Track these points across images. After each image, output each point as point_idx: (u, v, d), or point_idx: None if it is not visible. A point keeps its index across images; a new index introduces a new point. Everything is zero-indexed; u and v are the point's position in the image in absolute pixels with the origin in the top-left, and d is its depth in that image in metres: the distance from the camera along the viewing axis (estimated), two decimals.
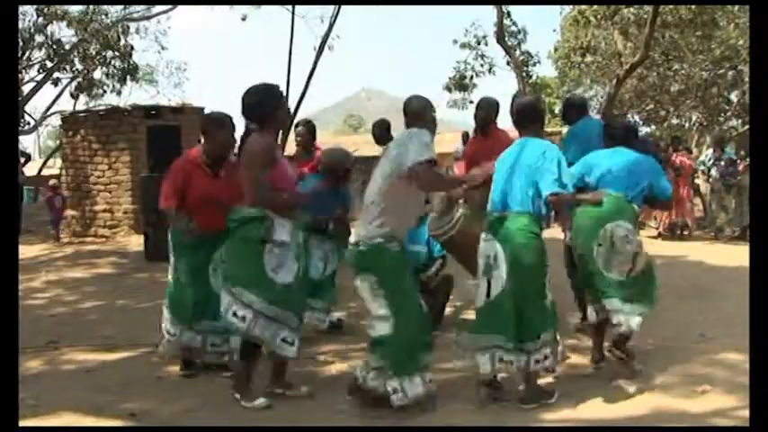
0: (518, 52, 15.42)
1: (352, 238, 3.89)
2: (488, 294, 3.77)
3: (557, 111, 28.30)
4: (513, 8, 15.09)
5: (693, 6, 14.26)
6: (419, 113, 3.90)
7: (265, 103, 3.81)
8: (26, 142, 32.79)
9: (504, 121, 5.09)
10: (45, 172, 25.15)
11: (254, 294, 3.66)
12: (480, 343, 3.77)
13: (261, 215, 3.68)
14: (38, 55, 17.84)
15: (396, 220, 3.67)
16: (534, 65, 16.38)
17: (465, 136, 12.06)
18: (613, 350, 4.20)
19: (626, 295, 4.09)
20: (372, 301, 3.68)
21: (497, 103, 5.40)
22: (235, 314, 3.68)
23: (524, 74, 15.66)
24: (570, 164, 4.04)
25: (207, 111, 12.00)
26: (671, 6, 14.27)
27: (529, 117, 3.95)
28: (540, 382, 3.92)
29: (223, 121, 4.28)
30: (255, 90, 3.85)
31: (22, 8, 15.71)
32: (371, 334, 3.73)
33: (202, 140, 4.37)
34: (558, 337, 3.87)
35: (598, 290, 4.17)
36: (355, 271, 3.77)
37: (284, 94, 4.00)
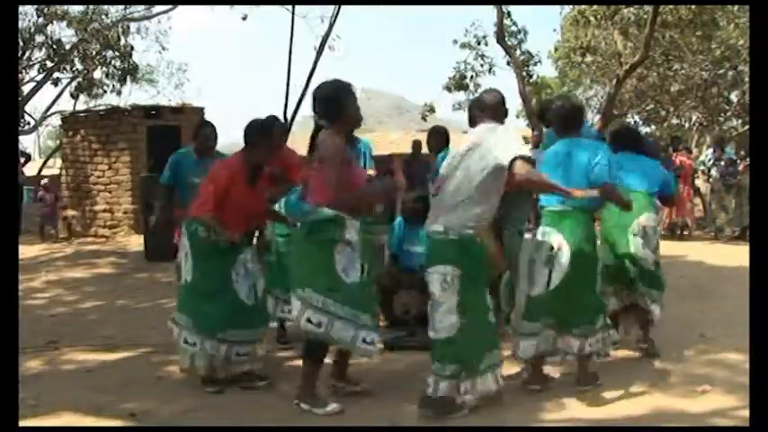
0: (518, 52, 15.40)
1: (437, 227, 3.65)
2: (548, 284, 3.94)
3: None
4: (513, 8, 15.06)
5: (693, 6, 14.26)
6: (495, 109, 3.88)
7: (337, 100, 3.71)
8: (26, 142, 32.79)
9: (510, 122, 5.08)
10: (45, 172, 25.15)
11: (328, 297, 3.55)
12: (534, 328, 3.97)
13: (336, 216, 3.58)
14: (38, 55, 17.84)
15: (485, 213, 3.65)
16: (535, 64, 16.35)
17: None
18: (640, 343, 4.63)
19: (653, 282, 4.58)
20: (441, 295, 3.57)
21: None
22: (309, 320, 3.56)
23: (525, 74, 15.64)
24: None
25: (207, 111, 12.14)
26: (671, 6, 14.26)
27: (574, 120, 4.20)
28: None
29: (270, 130, 4.21)
30: (328, 85, 3.77)
31: (22, 8, 15.71)
32: (437, 336, 3.61)
33: (249, 149, 4.14)
34: (609, 322, 4.12)
35: (629, 278, 4.56)
36: (431, 262, 3.66)
37: (352, 89, 3.75)
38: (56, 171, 20.95)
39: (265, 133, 4.19)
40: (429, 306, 3.67)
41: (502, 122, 3.83)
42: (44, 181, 12.52)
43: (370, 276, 3.76)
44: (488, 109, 3.86)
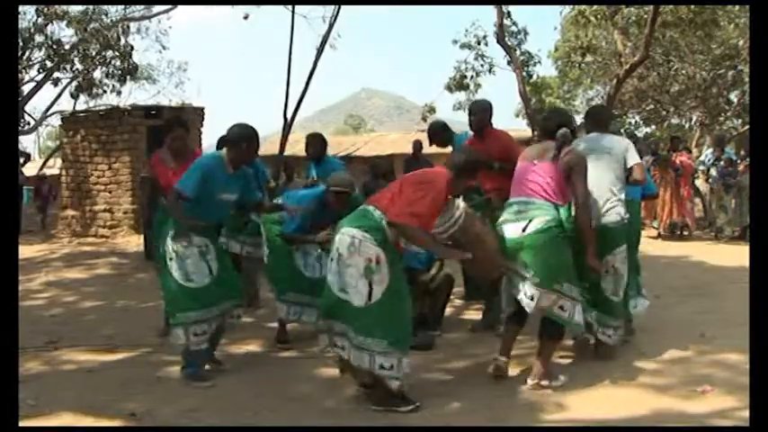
0: (518, 52, 15.38)
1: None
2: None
3: None
4: (513, 7, 15.04)
5: (693, 6, 14.25)
6: (606, 122, 4.72)
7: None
8: (26, 142, 32.80)
9: (507, 122, 5.11)
10: (45, 172, 25.16)
11: (573, 284, 3.99)
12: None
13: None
14: (38, 55, 17.82)
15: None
16: (535, 64, 16.33)
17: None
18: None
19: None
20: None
21: (490, 106, 5.39)
22: (561, 308, 3.96)
23: (525, 74, 15.62)
24: None
25: (207, 110, 12.15)
26: (671, 6, 14.25)
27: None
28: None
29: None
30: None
31: (22, 8, 15.70)
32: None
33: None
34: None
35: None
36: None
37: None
38: (56, 171, 20.95)
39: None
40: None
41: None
42: (41, 172, 12.61)
43: None
44: (602, 121, 4.65)
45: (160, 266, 4.47)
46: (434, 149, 6.81)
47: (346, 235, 3.68)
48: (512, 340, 4.25)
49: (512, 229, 4.04)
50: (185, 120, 5.42)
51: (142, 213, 9.86)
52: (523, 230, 3.98)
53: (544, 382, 3.99)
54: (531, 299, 3.95)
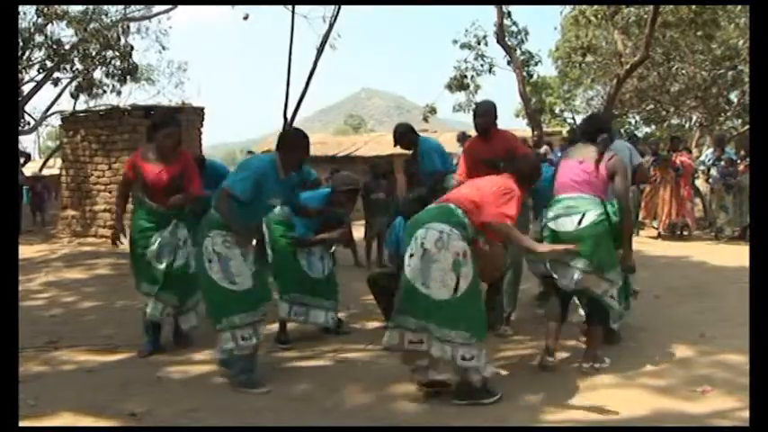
0: (518, 52, 15.36)
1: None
2: None
3: (557, 110, 28.39)
4: (513, 7, 15.02)
5: (694, 6, 14.25)
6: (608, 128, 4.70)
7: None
8: (26, 142, 32.83)
9: (507, 123, 5.13)
10: (45, 172, 25.16)
11: (618, 274, 4.31)
12: None
13: None
14: (38, 55, 17.82)
15: None
16: (536, 64, 16.32)
17: (461, 136, 12.05)
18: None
19: None
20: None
21: (494, 107, 5.40)
22: (612, 296, 4.28)
23: (526, 74, 15.62)
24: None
25: (207, 110, 12.14)
26: (672, 6, 14.26)
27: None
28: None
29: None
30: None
31: (22, 8, 15.70)
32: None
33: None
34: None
35: None
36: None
37: None
38: (56, 171, 20.95)
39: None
40: None
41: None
42: (35, 172, 12.72)
43: None
44: (605, 129, 4.56)
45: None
46: None
47: (434, 230, 3.73)
48: (556, 338, 4.39)
49: (566, 223, 4.22)
50: (179, 119, 5.19)
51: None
52: (579, 223, 4.17)
53: (597, 365, 4.28)
54: (578, 285, 4.22)
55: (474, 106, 5.80)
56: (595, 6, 15.07)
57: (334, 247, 5.14)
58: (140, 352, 4.88)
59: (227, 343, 4.11)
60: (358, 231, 8.42)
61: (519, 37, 15.62)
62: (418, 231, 3.78)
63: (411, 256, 3.77)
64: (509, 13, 14.74)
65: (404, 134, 6.22)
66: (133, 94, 30.40)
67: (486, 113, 5.33)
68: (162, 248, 4.75)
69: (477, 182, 4.14)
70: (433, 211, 3.89)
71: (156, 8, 18.99)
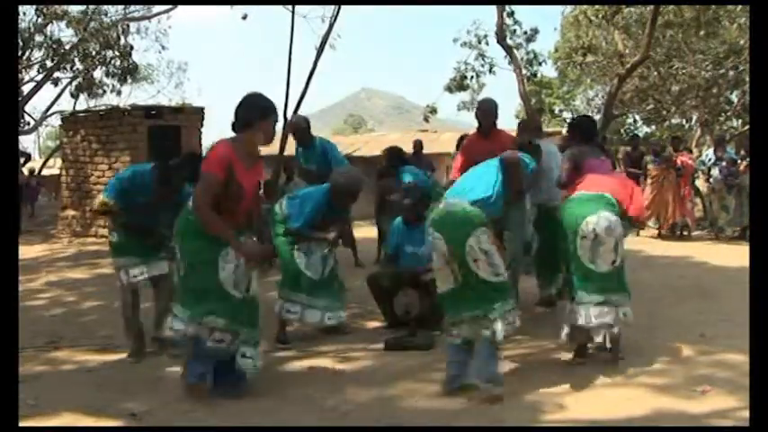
0: (523, 51, 15.30)
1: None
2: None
3: (557, 111, 28.40)
4: (516, 8, 14.96)
5: (697, 6, 14.26)
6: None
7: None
8: (26, 142, 32.78)
9: (507, 123, 5.18)
10: (45, 172, 25.16)
11: None
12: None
13: None
14: (38, 55, 17.81)
15: None
16: (539, 64, 16.28)
17: (460, 140, 12.03)
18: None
19: None
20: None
21: (497, 106, 5.47)
22: None
23: (530, 73, 15.59)
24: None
25: (207, 110, 12.15)
26: (674, 6, 14.26)
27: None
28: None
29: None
30: None
31: (22, 8, 15.69)
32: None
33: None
34: None
35: None
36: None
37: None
38: (56, 171, 20.95)
39: None
40: None
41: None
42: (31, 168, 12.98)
43: None
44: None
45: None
46: (436, 149, 6.84)
47: (604, 218, 4.26)
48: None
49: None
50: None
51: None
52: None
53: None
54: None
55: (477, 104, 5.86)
56: (596, 6, 15.06)
57: (325, 250, 5.12)
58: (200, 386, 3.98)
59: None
60: (359, 231, 8.42)
61: (522, 37, 15.51)
62: (593, 217, 4.26)
63: (583, 238, 4.28)
64: (511, 13, 14.70)
65: (302, 129, 6.37)
66: (133, 94, 30.35)
67: (488, 110, 5.39)
68: (238, 273, 3.84)
69: (612, 178, 4.67)
70: (596, 200, 4.35)
71: (156, 8, 18.99)
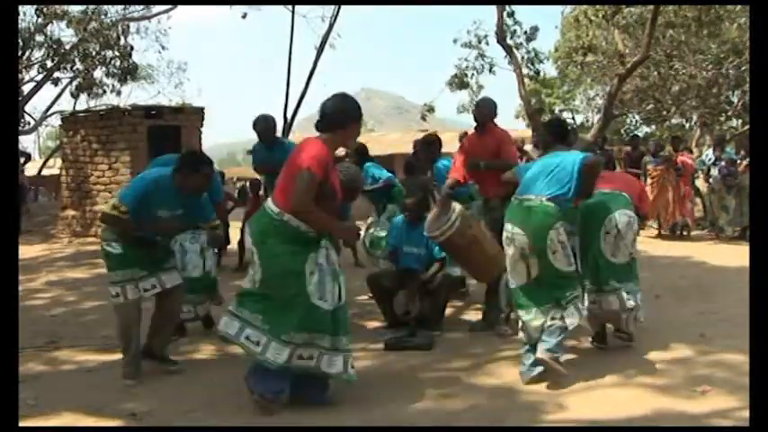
0: (524, 50, 15.27)
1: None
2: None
3: (557, 110, 28.40)
4: (516, 8, 14.94)
5: (699, 6, 14.25)
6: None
7: None
8: (26, 142, 32.78)
9: (508, 123, 5.18)
10: (45, 172, 25.19)
11: None
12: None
13: None
14: (38, 55, 17.81)
15: None
16: (541, 62, 16.24)
17: (463, 136, 12.04)
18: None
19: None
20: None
21: (495, 104, 5.49)
22: None
23: (533, 72, 15.57)
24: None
25: (207, 110, 12.15)
26: (675, 6, 14.26)
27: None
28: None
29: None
30: None
31: (21, 8, 15.69)
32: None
33: None
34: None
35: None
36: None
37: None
38: (56, 171, 20.94)
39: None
40: None
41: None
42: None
43: None
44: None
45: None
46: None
47: (624, 215, 4.59)
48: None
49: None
50: None
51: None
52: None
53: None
54: None
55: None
56: (596, 6, 15.05)
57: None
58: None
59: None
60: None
61: (526, 35, 15.45)
62: (613, 214, 4.55)
63: (607, 233, 4.54)
64: (511, 13, 14.69)
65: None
66: (133, 94, 30.44)
67: (485, 107, 5.43)
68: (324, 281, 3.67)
69: (620, 176, 5.22)
70: (614, 198, 4.65)
71: (156, 8, 19.00)
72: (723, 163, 10.56)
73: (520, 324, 4.27)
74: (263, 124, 6.23)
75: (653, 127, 24.68)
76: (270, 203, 3.70)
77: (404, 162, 7.91)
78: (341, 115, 3.73)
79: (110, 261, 4.29)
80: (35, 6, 16.28)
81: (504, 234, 4.25)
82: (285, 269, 3.59)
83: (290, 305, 3.59)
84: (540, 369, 4.09)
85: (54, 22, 16.90)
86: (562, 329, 4.12)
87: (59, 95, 20.71)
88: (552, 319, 4.10)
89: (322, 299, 3.61)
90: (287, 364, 3.59)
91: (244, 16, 14.18)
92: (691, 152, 12.67)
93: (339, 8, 13.46)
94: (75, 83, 18.97)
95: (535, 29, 15.33)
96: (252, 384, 3.71)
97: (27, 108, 19.94)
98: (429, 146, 6.73)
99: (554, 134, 4.65)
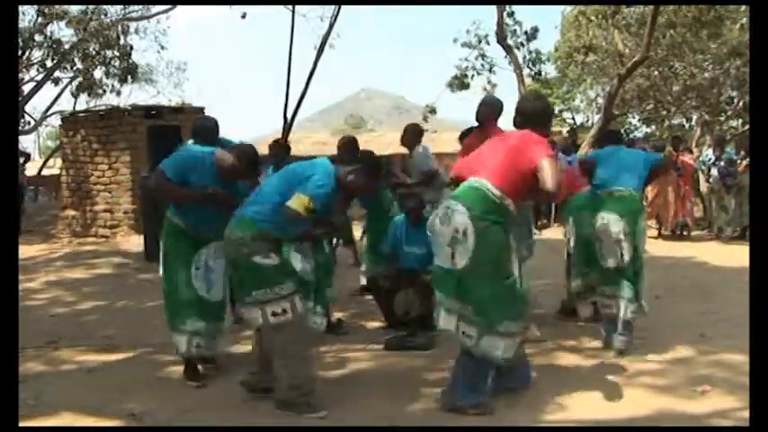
0: (524, 50, 15.25)
1: None
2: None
3: (557, 110, 28.40)
4: (517, 8, 14.93)
5: (699, 6, 14.23)
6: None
7: None
8: (26, 142, 32.79)
9: (507, 123, 5.17)
10: (45, 172, 25.17)
11: None
12: None
13: None
14: (38, 55, 17.80)
15: None
16: (543, 62, 16.21)
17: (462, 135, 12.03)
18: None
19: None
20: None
21: (498, 103, 5.45)
22: None
23: (534, 72, 15.55)
24: None
25: (207, 110, 12.14)
26: (675, 6, 14.24)
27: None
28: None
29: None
30: None
31: (21, 8, 15.68)
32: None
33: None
34: None
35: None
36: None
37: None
38: (56, 171, 20.94)
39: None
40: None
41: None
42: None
43: None
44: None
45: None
46: (436, 149, 6.86)
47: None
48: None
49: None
50: None
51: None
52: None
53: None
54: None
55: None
56: (596, 6, 15.05)
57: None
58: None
59: None
60: (359, 231, 8.41)
61: (526, 35, 15.44)
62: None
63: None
64: (511, 13, 14.68)
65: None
66: (133, 94, 30.40)
67: (488, 105, 5.37)
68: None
69: None
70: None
71: (155, 8, 18.99)
72: (722, 163, 10.56)
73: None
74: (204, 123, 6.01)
75: (653, 127, 24.65)
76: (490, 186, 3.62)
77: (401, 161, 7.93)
78: (545, 119, 4.00)
79: (268, 274, 3.65)
80: (35, 6, 16.28)
81: (599, 221, 4.72)
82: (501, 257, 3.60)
83: (513, 299, 3.68)
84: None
85: (54, 21, 16.90)
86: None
87: (59, 95, 20.72)
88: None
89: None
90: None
91: (243, 16, 14.15)
92: (691, 152, 12.67)
93: (339, 8, 13.44)
94: (75, 83, 18.97)
95: (535, 29, 15.32)
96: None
97: (27, 108, 19.93)
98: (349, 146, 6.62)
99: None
